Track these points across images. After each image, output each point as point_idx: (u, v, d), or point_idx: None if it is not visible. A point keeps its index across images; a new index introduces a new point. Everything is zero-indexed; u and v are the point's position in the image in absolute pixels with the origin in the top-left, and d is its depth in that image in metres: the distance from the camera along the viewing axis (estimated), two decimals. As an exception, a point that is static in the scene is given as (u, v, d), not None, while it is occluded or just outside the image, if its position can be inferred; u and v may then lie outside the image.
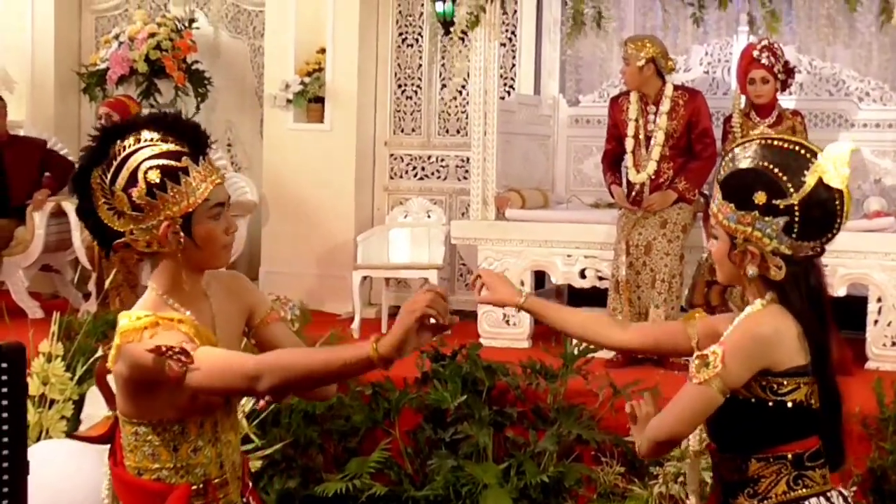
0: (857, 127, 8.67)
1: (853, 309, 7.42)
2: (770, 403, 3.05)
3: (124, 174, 3.02)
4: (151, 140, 3.04)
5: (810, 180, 3.01)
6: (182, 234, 3.05)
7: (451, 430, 6.23)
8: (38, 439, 6.08)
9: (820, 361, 3.08)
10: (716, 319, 3.37)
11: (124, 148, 3.04)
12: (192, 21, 10.26)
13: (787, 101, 8.19)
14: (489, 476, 6.00)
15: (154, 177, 3.01)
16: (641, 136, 7.79)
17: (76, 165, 3.12)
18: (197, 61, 10.13)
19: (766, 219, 3.03)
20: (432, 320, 2.83)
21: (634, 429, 3.27)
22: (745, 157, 3.09)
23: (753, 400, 3.06)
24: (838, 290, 7.29)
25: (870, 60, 9.00)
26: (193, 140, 3.08)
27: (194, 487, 3.12)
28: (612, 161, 8.02)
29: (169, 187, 3.01)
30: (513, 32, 9.54)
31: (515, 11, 9.46)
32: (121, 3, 10.87)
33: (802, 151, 3.06)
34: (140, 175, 3.01)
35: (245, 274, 3.58)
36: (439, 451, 6.21)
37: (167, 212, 3.03)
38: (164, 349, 2.88)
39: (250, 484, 3.35)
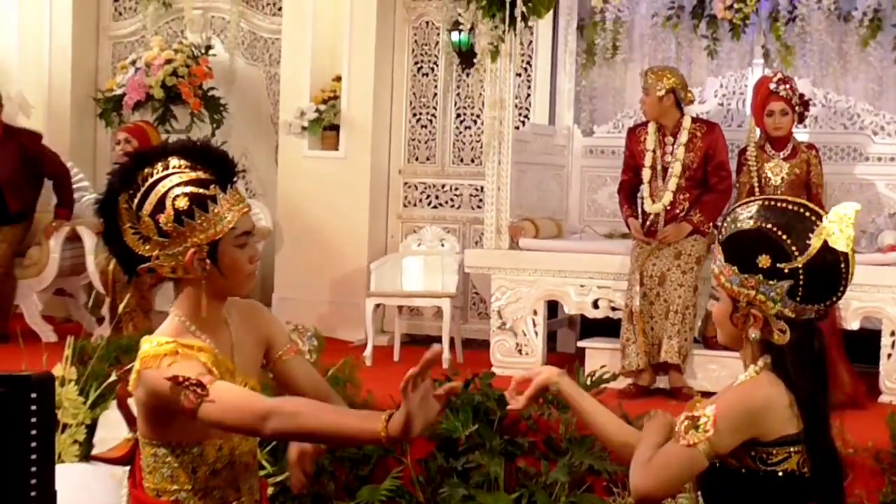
0: (872, 160, 8.68)
1: (866, 342, 7.40)
2: (760, 473, 2.98)
3: (152, 199, 3.04)
4: (180, 167, 3.07)
5: (815, 243, 2.94)
6: (208, 261, 3.07)
7: (463, 460, 6.22)
8: (51, 463, 6.09)
9: (815, 429, 2.99)
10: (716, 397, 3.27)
11: (152, 174, 3.07)
12: (208, 48, 10.32)
13: (801, 135, 8.21)
14: (501, 506, 6.00)
15: (182, 204, 3.02)
16: (658, 167, 7.80)
17: (101, 192, 3.13)
18: (213, 88, 10.18)
19: (770, 282, 2.95)
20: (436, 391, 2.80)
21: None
22: (747, 218, 3.01)
23: (744, 470, 2.99)
24: (852, 323, 7.28)
25: (883, 94, 9.00)
26: (221, 168, 3.11)
27: None
28: (629, 192, 8.02)
29: (197, 214, 3.03)
30: (528, 62, 9.57)
31: (531, 42, 9.49)
32: (138, 29, 10.93)
33: (807, 213, 2.98)
34: (168, 201, 3.03)
35: (258, 299, 3.60)
36: (451, 479, 6.20)
37: (194, 239, 3.05)
38: (181, 379, 2.89)
39: None
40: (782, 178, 7.70)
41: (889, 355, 7.37)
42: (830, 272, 2.95)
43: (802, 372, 3.00)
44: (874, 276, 7.23)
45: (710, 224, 7.65)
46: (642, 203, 7.90)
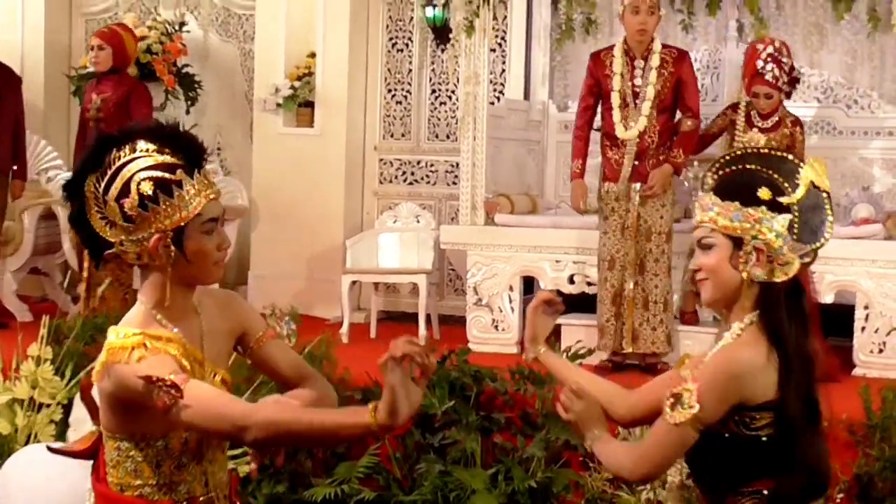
0: (846, 134, 8.71)
1: (840, 316, 7.44)
2: (743, 438, 2.99)
3: (118, 184, 2.98)
4: (147, 151, 3.00)
5: (804, 181, 3.01)
6: (173, 247, 3.00)
7: (440, 436, 6.23)
8: (27, 443, 6.09)
9: (791, 380, 2.98)
10: (704, 354, 3.26)
11: (119, 157, 3.00)
12: (182, 24, 10.27)
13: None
14: (477, 481, 6.00)
15: (147, 188, 2.96)
16: (628, 92, 7.55)
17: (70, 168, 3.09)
18: (187, 65, 10.14)
19: (772, 215, 2.99)
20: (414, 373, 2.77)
21: (575, 429, 3.20)
22: (736, 165, 3.07)
23: (727, 434, 2.99)
24: (825, 297, 7.30)
25: (857, 67, 9.01)
26: (190, 152, 3.04)
27: None
28: (587, 122, 7.73)
29: (161, 200, 2.97)
30: (503, 38, 9.56)
31: (505, 17, 9.47)
32: (111, 6, 10.88)
33: (789, 157, 3.08)
34: (133, 186, 2.97)
35: (234, 278, 3.57)
36: (427, 456, 6.21)
37: (158, 224, 2.98)
38: (154, 379, 2.82)
39: (238, 503, 3.29)
40: None
41: (863, 329, 7.41)
42: (819, 211, 3.03)
43: (791, 320, 3.02)
44: (848, 250, 7.25)
45: (688, 158, 7.63)
46: (613, 129, 7.55)
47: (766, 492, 3.02)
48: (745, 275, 3.02)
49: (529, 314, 3.53)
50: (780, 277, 3.01)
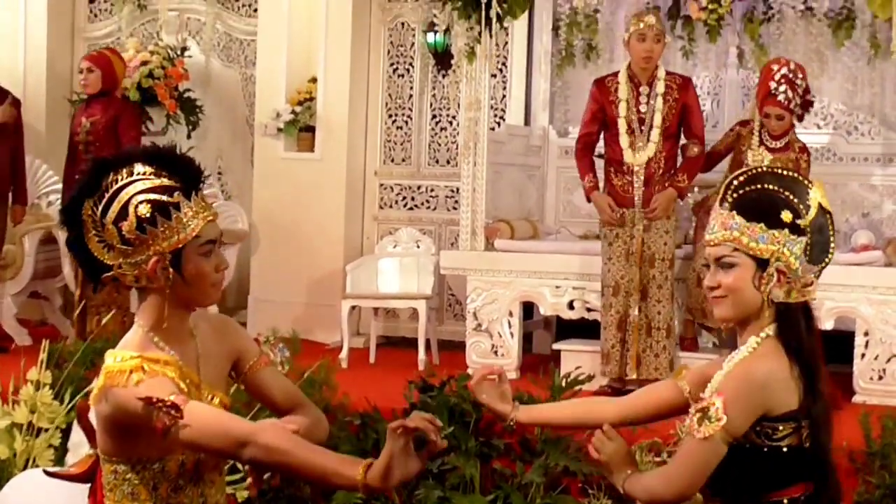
0: (846, 160, 8.72)
1: (839, 343, 7.43)
2: (765, 449, 3.03)
3: (115, 207, 2.99)
4: (144, 174, 3.01)
5: (813, 203, 3.06)
6: (171, 270, 3.01)
7: (439, 462, 6.21)
8: (26, 467, 6.07)
9: (815, 394, 3.06)
10: (704, 367, 3.32)
11: (117, 181, 3.01)
12: (184, 49, 10.30)
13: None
14: (476, 507, 6.00)
15: (145, 211, 2.97)
16: (634, 118, 7.55)
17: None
18: (189, 89, 10.16)
19: (793, 237, 3.04)
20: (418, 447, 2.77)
21: (604, 470, 3.24)
22: (754, 184, 3.10)
23: (748, 445, 3.03)
24: (825, 323, 7.28)
25: (857, 94, 9.02)
26: (187, 175, 3.05)
27: None
28: (590, 148, 7.74)
29: (159, 222, 2.98)
30: (503, 63, 9.58)
31: (506, 43, 9.50)
32: (113, 30, 10.90)
33: (799, 178, 3.12)
34: (131, 209, 2.97)
35: (234, 302, 3.58)
36: (426, 481, 6.19)
37: (156, 247, 2.99)
38: (154, 400, 2.83)
39: None
40: None
41: (862, 355, 7.39)
42: (826, 232, 3.09)
43: (810, 333, 3.10)
44: (847, 276, 7.24)
45: (691, 184, 7.62)
46: (621, 155, 7.56)
47: (786, 501, 3.07)
48: (765, 295, 3.07)
49: (478, 394, 3.60)
50: (796, 298, 3.07)
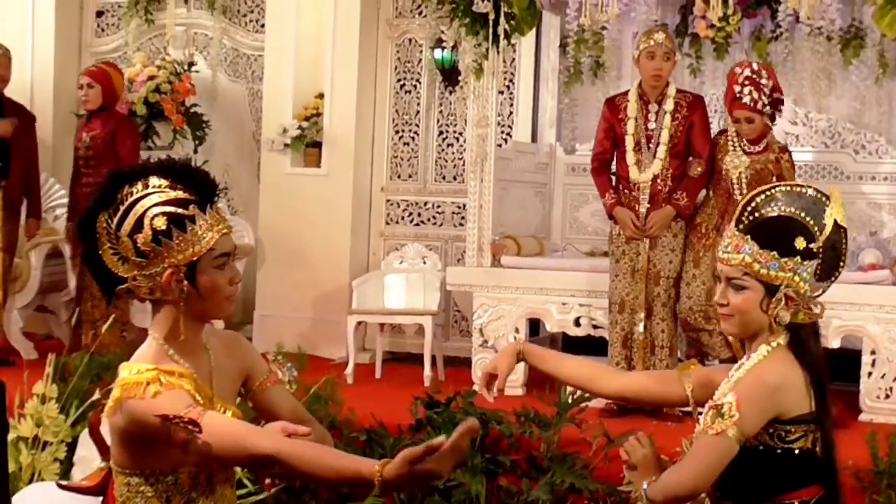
0: (853, 179, 8.71)
1: (846, 361, 7.41)
2: (778, 451, 3.09)
3: (130, 220, 3.00)
4: (159, 186, 3.03)
5: (828, 222, 3.09)
6: (185, 282, 3.02)
7: (445, 478, 6.20)
8: (31, 481, 6.06)
9: (826, 405, 3.13)
10: (711, 370, 3.40)
11: (132, 193, 3.03)
12: (191, 64, 10.32)
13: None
14: (482, 524, 5.99)
15: (160, 224, 2.98)
16: (642, 137, 7.56)
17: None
18: (195, 104, 10.18)
19: (804, 263, 3.09)
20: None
21: (631, 474, 3.26)
22: (771, 206, 3.13)
23: (761, 447, 3.09)
24: (832, 342, 7.28)
25: (865, 112, 9.02)
26: (202, 188, 3.07)
27: None
28: (605, 165, 7.77)
29: (175, 235, 2.99)
30: (511, 80, 9.59)
31: (514, 60, 9.51)
32: (120, 45, 10.92)
33: (818, 195, 3.14)
34: (146, 221, 2.99)
35: (240, 317, 3.58)
36: (432, 498, 6.19)
37: (171, 259, 3.00)
38: (172, 417, 2.83)
39: None
40: (741, 174, 7.42)
41: (869, 374, 7.39)
42: (838, 248, 3.13)
43: (819, 346, 3.17)
44: (855, 295, 7.24)
45: (692, 205, 7.58)
46: (627, 172, 7.60)
47: (796, 502, 3.13)
48: (771, 318, 3.13)
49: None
50: (803, 320, 3.13)
